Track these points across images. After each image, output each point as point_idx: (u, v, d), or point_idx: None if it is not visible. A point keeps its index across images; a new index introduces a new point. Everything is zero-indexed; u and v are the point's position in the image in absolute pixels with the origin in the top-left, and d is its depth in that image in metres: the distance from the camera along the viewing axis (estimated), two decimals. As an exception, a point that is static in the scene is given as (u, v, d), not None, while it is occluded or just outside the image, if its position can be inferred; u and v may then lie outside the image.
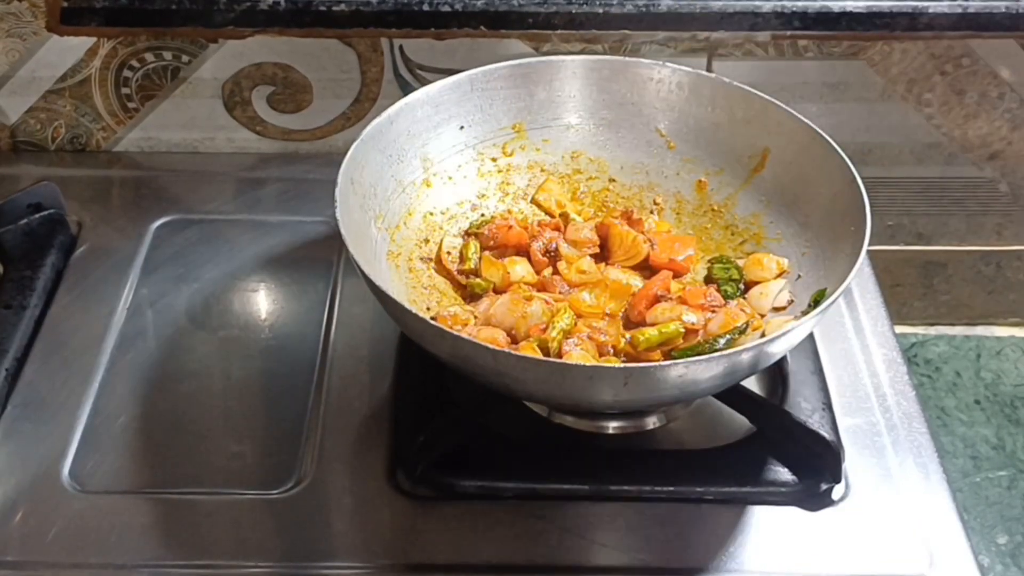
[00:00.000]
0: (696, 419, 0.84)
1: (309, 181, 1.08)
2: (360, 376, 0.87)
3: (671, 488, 0.78)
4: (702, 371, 0.72)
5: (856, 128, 1.11)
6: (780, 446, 0.80)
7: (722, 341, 0.82)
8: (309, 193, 1.06)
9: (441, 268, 0.91)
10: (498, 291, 0.88)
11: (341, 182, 0.82)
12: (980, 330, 1.26)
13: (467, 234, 0.93)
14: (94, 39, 1.05)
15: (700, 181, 0.95)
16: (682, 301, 0.86)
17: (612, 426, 0.83)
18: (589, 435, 0.83)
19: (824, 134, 0.87)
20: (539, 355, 0.79)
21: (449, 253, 0.91)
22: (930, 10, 1.04)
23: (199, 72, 1.07)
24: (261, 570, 0.74)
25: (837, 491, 0.80)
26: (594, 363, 0.78)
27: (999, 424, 1.17)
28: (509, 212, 0.95)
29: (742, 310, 0.85)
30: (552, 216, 0.95)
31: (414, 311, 0.78)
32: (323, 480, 0.79)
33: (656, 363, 0.78)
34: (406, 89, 1.07)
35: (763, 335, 0.82)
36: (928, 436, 0.84)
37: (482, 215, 0.95)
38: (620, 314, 0.86)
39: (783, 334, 0.73)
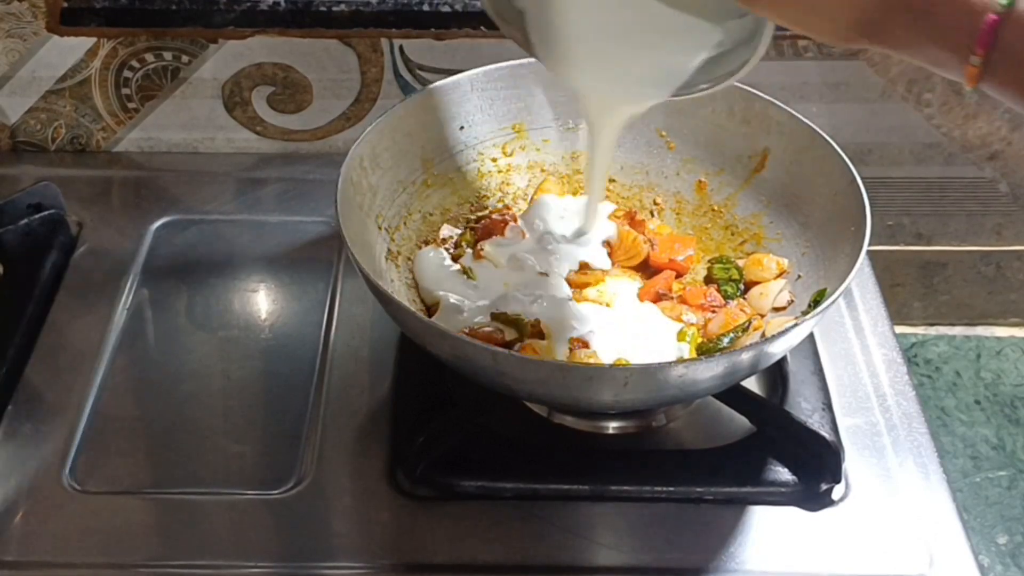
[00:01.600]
0: (696, 419, 0.84)
1: (309, 181, 1.08)
2: (360, 376, 0.87)
3: (671, 488, 0.78)
4: (702, 371, 0.72)
5: (856, 128, 1.11)
6: (780, 446, 0.80)
7: (725, 340, 0.82)
8: (309, 193, 1.06)
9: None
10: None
11: (341, 182, 0.82)
12: (980, 330, 1.26)
13: (465, 227, 0.93)
14: (94, 39, 1.05)
15: (700, 181, 0.95)
16: (682, 301, 0.86)
17: (612, 426, 0.83)
18: (589, 435, 0.83)
19: (824, 134, 0.87)
20: (539, 355, 0.79)
21: (444, 241, 0.91)
22: (930, 10, 1.03)
23: (199, 72, 1.07)
24: (261, 570, 0.74)
25: (837, 491, 0.80)
26: (594, 363, 0.79)
27: (999, 424, 1.17)
28: (508, 208, 0.95)
29: (742, 310, 0.85)
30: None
31: (414, 311, 0.78)
32: (323, 480, 0.79)
33: (656, 363, 0.78)
34: (406, 89, 1.07)
35: (763, 335, 0.82)
36: (928, 436, 0.84)
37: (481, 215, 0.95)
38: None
39: (783, 334, 0.73)
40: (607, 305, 0.85)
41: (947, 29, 0.57)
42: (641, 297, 0.86)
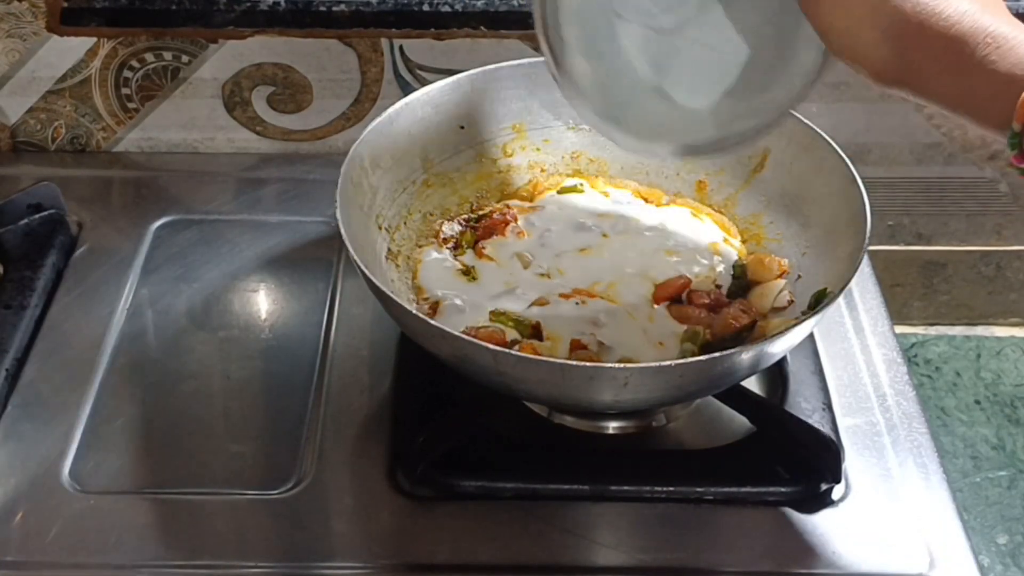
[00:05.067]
0: (696, 419, 0.84)
1: (309, 181, 1.08)
2: (360, 376, 0.87)
3: (671, 488, 0.78)
4: (702, 371, 0.72)
5: (856, 128, 1.11)
6: (780, 446, 0.80)
7: (728, 341, 0.82)
8: (309, 193, 1.06)
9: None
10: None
11: (341, 182, 0.82)
12: (980, 330, 1.26)
13: (465, 227, 0.93)
14: (94, 39, 1.05)
15: (700, 181, 0.95)
16: (688, 300, 0.86)
17: (612, 426, 0.83)
18: (589, 435, 0.83)
19: (824, 134, 0.87)
20: (538, 355, 0.79)
21: (446, 240, 0.91)
22: (930, 10, 1.03)
23: (199, 72, 1.07)
24: (261, 570, 0.74)
25: (837, 491, 0.80)
26: (594, 363, 0.79)
27: (999, 424, 1.17)
28: (507, 207, 0.95)
29: (743, 311, 0.85)
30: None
31: (414, 311, 0.78)
32: (323, 480, 0.79)
33: (656, 363, 0.78)
34: (406, 89, 1.07)
35: (763, 335, 0.82)
36: (928, 436, 0.84)
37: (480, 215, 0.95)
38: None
39: (783, 334, 0.73)
40: (613, 302, 0.85)
41: (986, 97, 0.57)
42: (656, 300, 0.86)
